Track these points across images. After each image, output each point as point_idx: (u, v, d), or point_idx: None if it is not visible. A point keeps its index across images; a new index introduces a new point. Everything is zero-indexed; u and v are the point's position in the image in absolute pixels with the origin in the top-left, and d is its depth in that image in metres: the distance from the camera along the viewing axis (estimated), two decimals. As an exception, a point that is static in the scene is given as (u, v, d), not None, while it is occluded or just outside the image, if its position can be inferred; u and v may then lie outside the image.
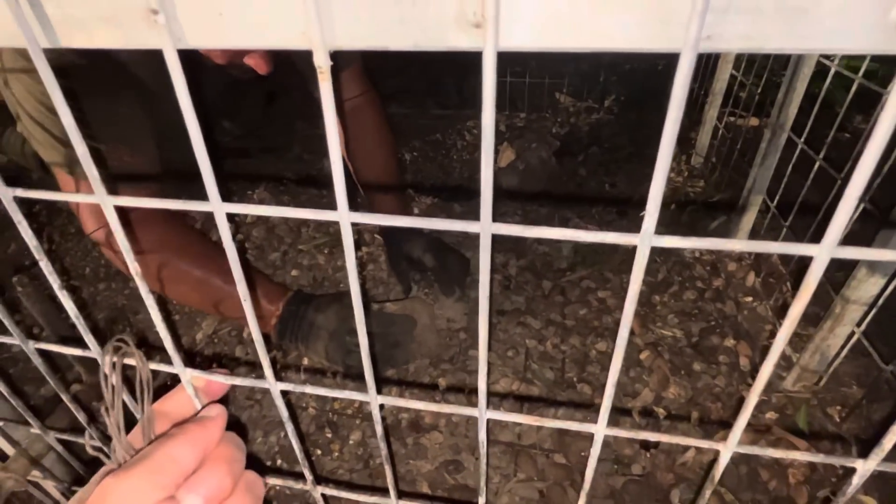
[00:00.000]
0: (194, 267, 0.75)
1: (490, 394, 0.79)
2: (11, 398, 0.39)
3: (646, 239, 0.19)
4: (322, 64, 0.18)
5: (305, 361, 0.83)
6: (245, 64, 0.68)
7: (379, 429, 0.30)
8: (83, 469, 0.47)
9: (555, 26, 0.16)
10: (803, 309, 0.19)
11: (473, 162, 1.39)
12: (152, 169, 0.76)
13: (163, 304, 0.98)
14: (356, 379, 0.79)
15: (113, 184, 0.69)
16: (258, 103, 1.69)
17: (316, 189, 1.22)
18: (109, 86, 0.68)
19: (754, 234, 0.97)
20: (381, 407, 0.29)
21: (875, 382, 0.70)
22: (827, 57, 0.74)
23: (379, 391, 0.28)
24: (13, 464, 0.48)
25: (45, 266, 0.28)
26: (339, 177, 0.20)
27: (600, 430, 0.26)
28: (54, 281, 0.28)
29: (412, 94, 1.73)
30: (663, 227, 1.10)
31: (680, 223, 1.10)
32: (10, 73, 0.64)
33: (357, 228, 1.15)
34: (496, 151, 1.40)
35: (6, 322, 0.33)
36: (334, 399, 0.79)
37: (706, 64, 1.22)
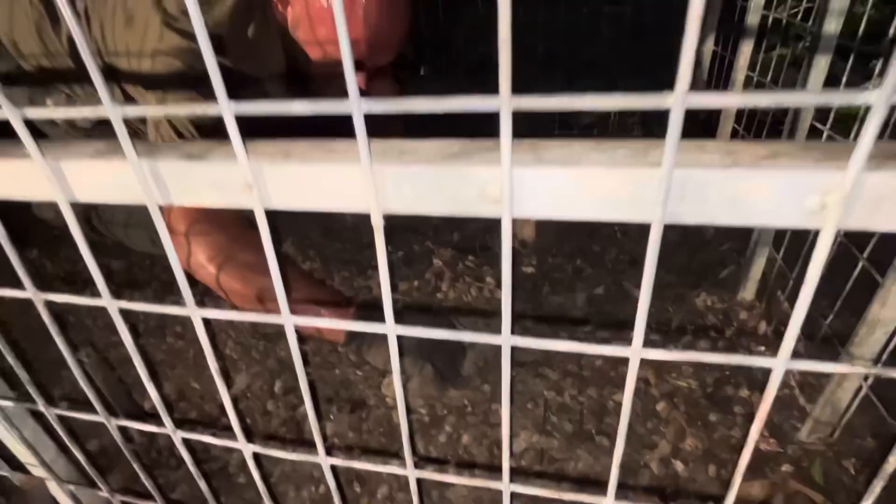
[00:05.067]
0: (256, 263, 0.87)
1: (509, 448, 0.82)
2: (88, 466, 0.44)
3: (636, 353, 0.24)
4: (377, 223, 0.23)
5: (337, 440, 0.87)
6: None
7: (416, 500, 0.34)
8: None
9: (555, 203, 0.21)
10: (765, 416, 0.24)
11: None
12: None
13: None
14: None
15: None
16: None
17: (340, 244, 1.28)
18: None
19: (763, 283, 1.00)
20: (419, 481, 0.33)
21: (888, 436, 0.71)
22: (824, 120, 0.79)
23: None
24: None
25: (133, 351, 0.33)
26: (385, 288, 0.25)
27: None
28: (141, 367, 0.34)
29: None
30: (674, 276, 1.13)
31: (690, 272, 1.13)
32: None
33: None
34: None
35: (93, 400, 0.38)
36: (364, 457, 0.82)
37: (707, 119, 1.27)
